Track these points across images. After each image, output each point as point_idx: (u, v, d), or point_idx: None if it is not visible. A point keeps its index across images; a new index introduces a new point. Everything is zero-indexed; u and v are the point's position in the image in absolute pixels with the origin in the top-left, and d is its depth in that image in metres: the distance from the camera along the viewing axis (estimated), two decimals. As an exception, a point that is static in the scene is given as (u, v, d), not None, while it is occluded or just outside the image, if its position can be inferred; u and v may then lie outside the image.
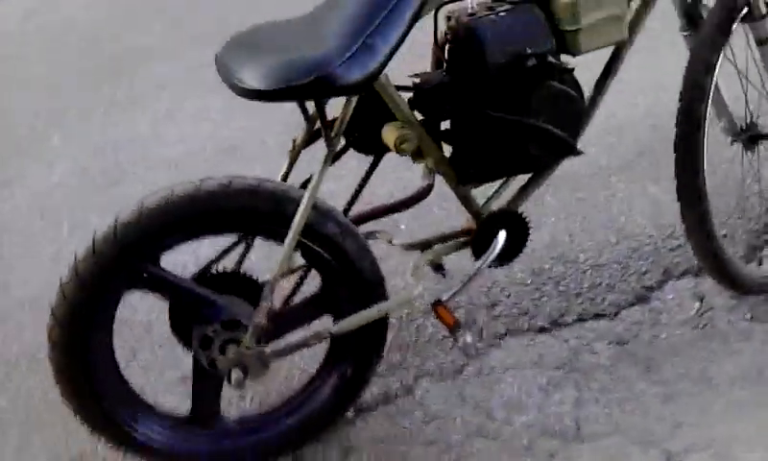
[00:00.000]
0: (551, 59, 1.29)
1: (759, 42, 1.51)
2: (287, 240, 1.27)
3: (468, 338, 1.36)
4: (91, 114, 2.81)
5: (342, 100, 1.30)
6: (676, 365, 1.64)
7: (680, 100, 1.50)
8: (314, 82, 1.14)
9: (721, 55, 1.49)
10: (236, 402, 1.65)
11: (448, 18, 1.39)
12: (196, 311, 1.37)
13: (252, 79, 1.17)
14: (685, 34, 1.59)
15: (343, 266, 1.37)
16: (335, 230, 1.35)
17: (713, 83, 1.48)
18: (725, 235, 1.94)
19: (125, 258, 1.26)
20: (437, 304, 1.40)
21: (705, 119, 1.48)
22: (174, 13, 3.66)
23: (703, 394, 1.57)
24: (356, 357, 1.46)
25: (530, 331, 1.76)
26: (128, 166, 2.47)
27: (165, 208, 1.26)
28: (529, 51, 1.29)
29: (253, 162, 2.36)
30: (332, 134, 1.28)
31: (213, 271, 1.44)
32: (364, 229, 1.46)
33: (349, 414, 1.61)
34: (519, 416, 1.58)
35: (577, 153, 1.45)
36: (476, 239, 1.45)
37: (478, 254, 1.46)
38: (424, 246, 1.51)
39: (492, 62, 1.30)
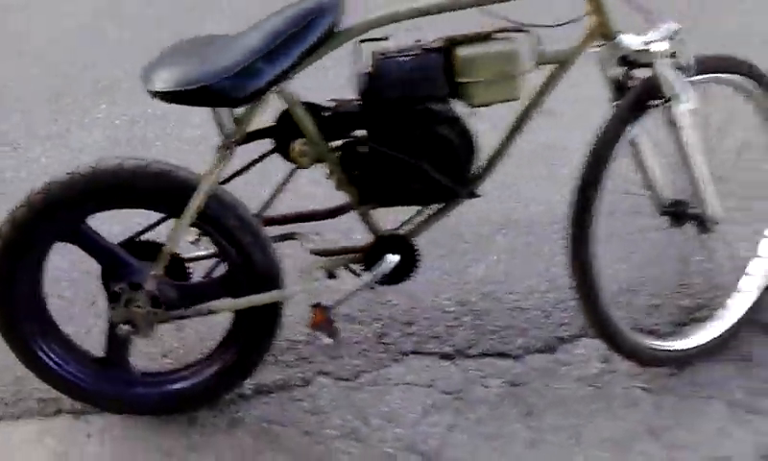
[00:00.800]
0: (434, 106, 1.41)
1: (669, 124, 1.55)
2: (179, 223, 1.47)
3: (326, 340, 1.50)
4: (140, 88, 3.13)
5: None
6: (556, 416, 1.70)
7: (582, 167, 1.57)
8: (196, 90, 1.33)
9: (627, 132, 1.54)
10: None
11: (372, 54, 1.54)
12: (114, 269, 1.59)
13: (155, 81, 1.38)
14: (614, 105, 1.64)
15: (239, 255, 1.56)
16: (234, 223, 1.52)
17: (613, 157, 1.53)
18: (655, 306, 1.96)
19: (51, 212, 1.49)
20: (316, 306, 1.56)
21: (599, 190, 1.54)
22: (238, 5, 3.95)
23: (568, 448, 1.63)
24: (243, 346, 1.64)
25: (434, 355, 1.87)
26: (151, 140, 2.76)
27: (91, 177, 1.48)
28: (418, 95, 1.42)
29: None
30: (232, 140, 1.47)
31: (142, 239, 1.67)
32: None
33: (249, 391, 1.80)
34: (393, 428, 1.70)
35: (469, 196, 1.56)
36: (367, 256, 1.59)
37: (367, 269, 1.60)
38: (328, 253, 1.66)
39: (386, 100, 1.44)
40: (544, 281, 2.04)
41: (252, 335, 1.65)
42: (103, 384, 1.68)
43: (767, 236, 1.85)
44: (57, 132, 2.83)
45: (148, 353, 1.91)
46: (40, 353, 1.63)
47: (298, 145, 1.49)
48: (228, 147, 1.47)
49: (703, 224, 1.66)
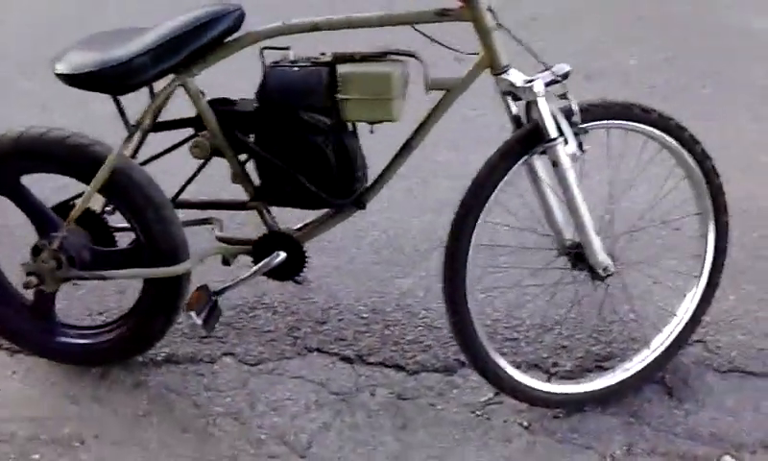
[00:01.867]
0: (312, 117, 1.48)
1: (553, 164, 1.53)
2: (85, 193, 1.62)
3: (198, 321, 1.60)
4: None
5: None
6: (429, 435, 1.73)
7: (462, 196, 1.58)
8: (84, 75, 1.48)
9: (512, 171, 1.54)
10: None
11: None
12: (43, 227, 1.77)
13: (57, 65, 1.55)
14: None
15: (142, 229, 1.69)
16: (139, 198, 1.66)
17: (492, 196, 1.54)
18: (564, 347, 1.94)
19: (-15, 170, 1.69)
20: (200, 288, 1.67)
21: (475, 221, 1.54)
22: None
23: (423, 466, 1.66)
24: (144, 316, 1.78)
25: (336, 356, 1.93)
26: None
27: (18, 141, 1.66)
28: (299, 105, 1.49)
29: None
30: (134, 124, 1.61)
31: (74, 203, 1.84)
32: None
33: (160, 358, 1.94)
34: (273, 417, 1.78)
35: (356, 207, 1.61)
36: (254, 249, 1.68)
37: (256, 262, 1.69)
38: (229, 242, 1.77)
39: (272, 105, 1.53)
40: (463, 304, 2.05)
41: (153, 308, 1.78)
42: (26, 327, 1.87)
43: (686, 296, 1.79)
44: (77, 101, 3.09)
45: (89, 307, 2.10)
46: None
47: (199, 137, 1.61)
48: (132, 130, 1.61)
49: (593, 270, 1.63)
